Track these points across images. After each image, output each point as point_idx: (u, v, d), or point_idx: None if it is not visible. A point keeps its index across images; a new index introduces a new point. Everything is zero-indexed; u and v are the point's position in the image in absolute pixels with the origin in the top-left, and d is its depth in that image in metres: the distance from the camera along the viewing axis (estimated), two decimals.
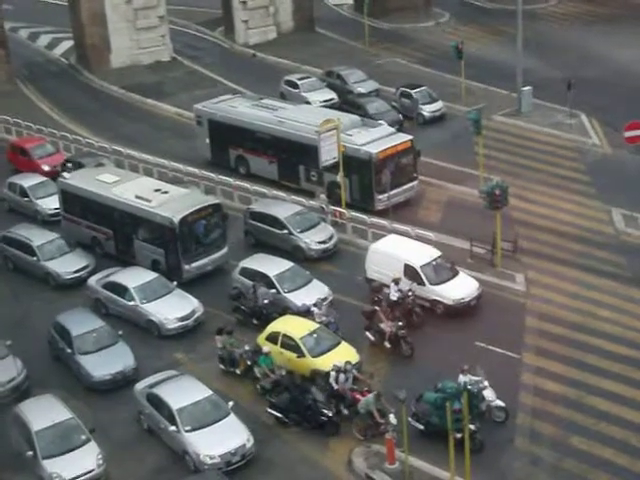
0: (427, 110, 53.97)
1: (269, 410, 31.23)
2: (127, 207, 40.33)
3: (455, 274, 36.91)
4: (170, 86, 62.84)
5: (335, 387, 31.00)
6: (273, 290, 36.69)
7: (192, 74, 65.20)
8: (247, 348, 33.47)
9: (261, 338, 34.06)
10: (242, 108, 48.74)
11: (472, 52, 59.77)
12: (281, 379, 31.88)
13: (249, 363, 33.19)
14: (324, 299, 36.18)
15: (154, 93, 61.43)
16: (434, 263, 36.95)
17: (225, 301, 37.24)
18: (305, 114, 47.15)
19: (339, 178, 43.20)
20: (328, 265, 40.38)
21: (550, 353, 33.80)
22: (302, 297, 36.49)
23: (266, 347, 33.03)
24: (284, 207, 42.53)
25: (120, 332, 34.92)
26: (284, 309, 36.19)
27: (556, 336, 34.75)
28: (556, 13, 73.09)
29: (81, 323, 34.94)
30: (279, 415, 31.02)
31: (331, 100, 56.20)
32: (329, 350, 33.08)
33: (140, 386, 31.96)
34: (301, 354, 33.07)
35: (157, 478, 29.74)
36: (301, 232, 40.94)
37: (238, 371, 33.47)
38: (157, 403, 30.76)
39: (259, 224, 41.82)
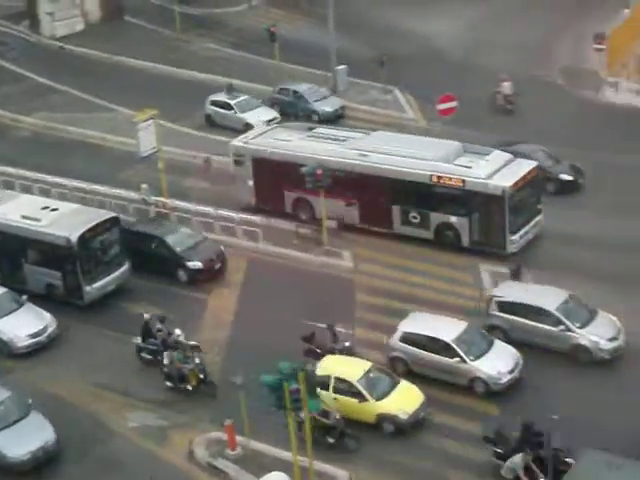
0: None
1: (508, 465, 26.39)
2: (13, 229, 36.93)
3: None
4: None
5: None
6: (456, 358, 30.53)
7: None
8: (198, 362, 31.42)
9: None
10: (299, 142, 41.45)
11: (285, 34, 59.86)
12: (336, 423, 28.61)
13: (202, 377, 31.25)
14: (517, 364, 30.93)
15: None
16: None
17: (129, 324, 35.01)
18: (392, 143, 40.37)
19: (158, 166, 42.45)
20: None
21: (381, 326, 34.24)
22: (494, 364, 30.45)
23: (329, 395, 29.14)
24: (549, 293, 33.01)
25: (30, 400, 30.36)
26: (471, 380, 30.53)
27: (385, 309, 35.29)
28: None
29: None
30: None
31: (275, 119, 49.99)
32: (391, 390, 29.69)
33: None
34: (363, 398, 29.29)
35: None
36: (582, 327, 31.85)
37: (190, 387, 31.40)
38: None
39: (515, 318, 32.42)
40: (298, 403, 25.54)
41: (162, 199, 42.70)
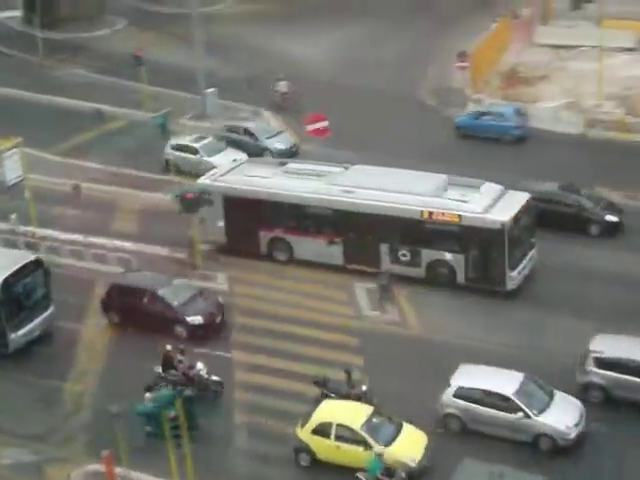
0: None
1: None
2: None
3: None
4: None
5: None
6: (520, 414, 28.29)
7: None
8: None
9: (304, 432, 28.29)
10: (275, 178, 39.40)
11: (151, 57, 59.46)
12: None
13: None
14: (581, 415, 28.65)
15: None
16: None
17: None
18: (376, 178, 38.24)
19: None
20: None
21: (257, 347, 34.28)
22: (561, 418, 28.20)
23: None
24: None
25: None
26: (536, 437, 28.26)
27: (260, 330, 35.29)
28: (231, 14, 74.04)
29: None
30: None
31: (244, 160, 44.89)
32: (397, 436, 27.80)
33: None
34: (368, 446, 27.27)
35: None
36: None
37: None
38: None
39: (617, 375, 29.64)
40: (177, 430, 25.28)
41: (31, 228, 41.85)
